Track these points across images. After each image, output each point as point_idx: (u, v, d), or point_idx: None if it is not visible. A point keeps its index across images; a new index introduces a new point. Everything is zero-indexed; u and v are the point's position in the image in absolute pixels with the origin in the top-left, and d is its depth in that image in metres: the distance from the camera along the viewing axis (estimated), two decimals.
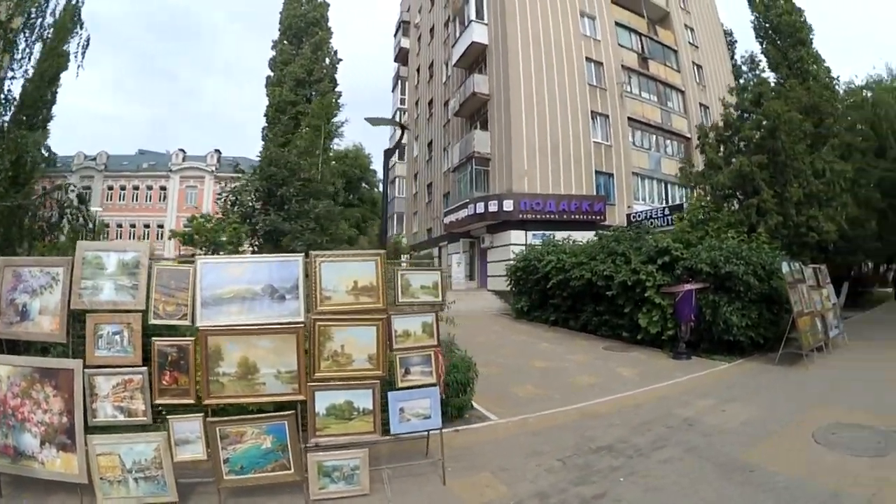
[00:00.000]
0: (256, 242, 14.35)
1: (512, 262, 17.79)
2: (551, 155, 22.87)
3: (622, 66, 27.02)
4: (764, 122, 13.61)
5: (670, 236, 11.86)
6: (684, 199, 20.37)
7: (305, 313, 4.33)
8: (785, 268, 9.85)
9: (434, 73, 33.94)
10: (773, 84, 21.30)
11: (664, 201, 25.76)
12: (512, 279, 17.27)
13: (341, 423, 4.40)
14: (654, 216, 20.04)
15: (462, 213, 24.06)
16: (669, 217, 17.88)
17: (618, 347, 11.62)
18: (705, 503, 4.21)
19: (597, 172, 23.92)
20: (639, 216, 20.72)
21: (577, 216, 21.85)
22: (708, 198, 14.45)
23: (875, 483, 4.43)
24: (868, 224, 18.38)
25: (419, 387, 4.72)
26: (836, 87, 40.88)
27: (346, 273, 4.50)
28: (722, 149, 14.69)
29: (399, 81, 42.30)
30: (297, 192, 15.55)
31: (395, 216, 39.55)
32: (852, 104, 35.36)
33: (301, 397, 4.30)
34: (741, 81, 27.25)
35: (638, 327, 11.38)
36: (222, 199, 15.13)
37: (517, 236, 21.49)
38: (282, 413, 4.30)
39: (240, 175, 16.84)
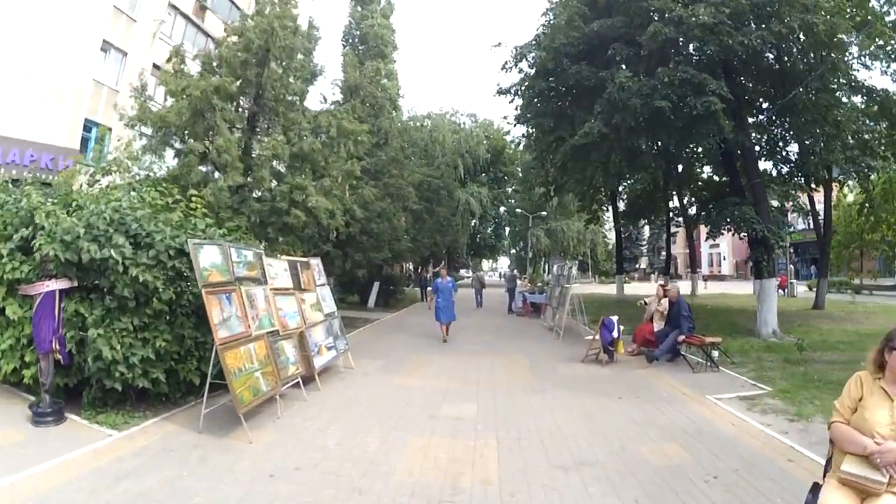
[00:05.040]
0: None
1: None
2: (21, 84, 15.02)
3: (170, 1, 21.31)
4: (257, 42, 9.46)
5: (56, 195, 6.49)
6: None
7: None
8: (210, 256, 5.75)
9: None
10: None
11: None
12: None
13: None
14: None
15: None
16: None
17: None
18: None
19: (88, 122, 17.00)
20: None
21: (31, 174, 14.47)
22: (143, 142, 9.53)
23: None
24: (398, 220, 17.39)
25: None
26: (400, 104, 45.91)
27: None
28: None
29: None
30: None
31: None
32: (413, 126, 40.36)
33: None
34: None
35: None
36: None
37: None
38: None
39: None
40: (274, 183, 9.37)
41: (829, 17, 12.55)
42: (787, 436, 5.44)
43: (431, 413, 6.30)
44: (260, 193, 9.36)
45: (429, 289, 12.25)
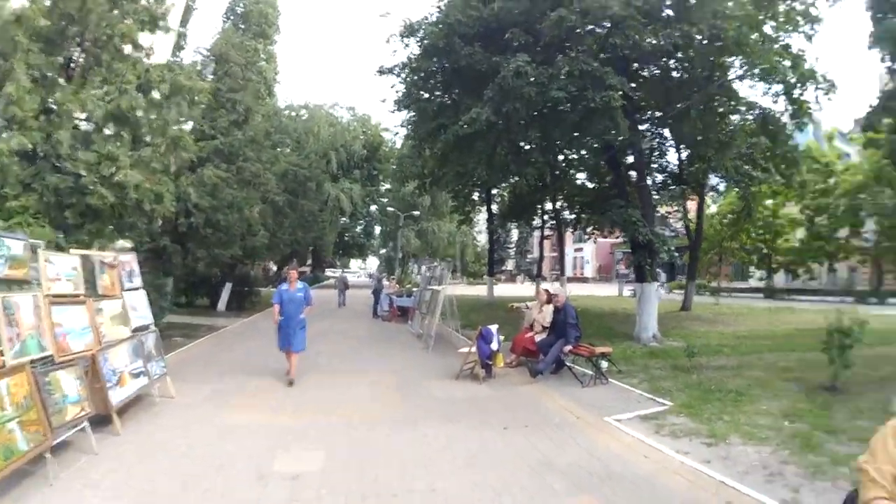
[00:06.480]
0: None
1: None
2: None
3: None
4: None
5: None
6: None
7: None
8: None
9: None
10: None
11: None
12: None
13: None
14: None
15: None
16: None
17: None
18: None
19: None
20: None
21: None
22: None
23: None
24: (251, 212, 15.19)
25: None
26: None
27: None
28: None
29: None
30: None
31: None
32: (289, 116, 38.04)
33: None
34: None
35: None
36: None
37: None
38: None
39: None
40: (78, 152, 7.04)
41: (739, 26, 12.51)
42: (710, 466, 4.74)
43: (261, 469, 4.70)
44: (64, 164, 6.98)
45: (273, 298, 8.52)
